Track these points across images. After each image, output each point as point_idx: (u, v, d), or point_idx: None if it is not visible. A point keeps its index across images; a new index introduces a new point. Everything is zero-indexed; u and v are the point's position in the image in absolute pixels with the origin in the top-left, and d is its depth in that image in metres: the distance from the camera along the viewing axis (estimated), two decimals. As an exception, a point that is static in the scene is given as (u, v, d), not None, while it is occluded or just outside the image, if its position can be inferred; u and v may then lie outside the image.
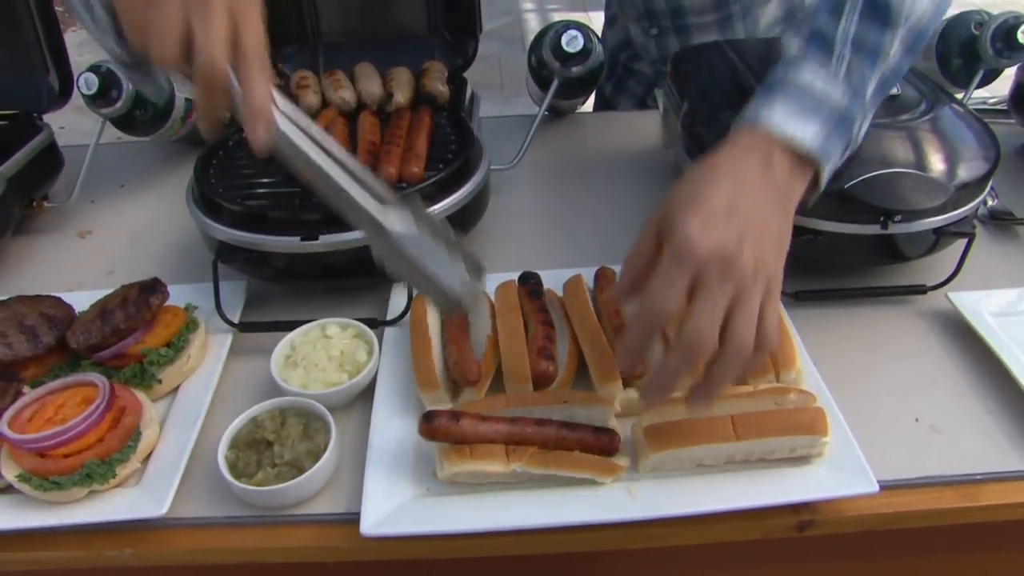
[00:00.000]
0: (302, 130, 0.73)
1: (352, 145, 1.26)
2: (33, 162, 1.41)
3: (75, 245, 1.42)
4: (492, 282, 1.14)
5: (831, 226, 1.09)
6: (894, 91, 1.22)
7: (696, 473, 0.89)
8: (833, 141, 0.87)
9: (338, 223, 1.10)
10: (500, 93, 3.78)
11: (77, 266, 1.35)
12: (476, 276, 0.79)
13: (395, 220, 0.74)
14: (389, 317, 1.13)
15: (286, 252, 1.11)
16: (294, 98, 1.41)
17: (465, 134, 1.30)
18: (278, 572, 0.96)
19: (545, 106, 1.52)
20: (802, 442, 0.88)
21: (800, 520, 0.88)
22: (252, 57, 0.70)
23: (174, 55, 0.69)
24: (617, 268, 1.18)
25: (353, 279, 1.21)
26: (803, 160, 0.85)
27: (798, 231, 1.10)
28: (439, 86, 1.42)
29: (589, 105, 1.93)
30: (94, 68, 1.37)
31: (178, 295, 1.11)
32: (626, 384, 0.98)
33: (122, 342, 1.03)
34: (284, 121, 0.71)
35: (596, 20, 2.02)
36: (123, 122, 1.44)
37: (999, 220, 1.33)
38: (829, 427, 0.88)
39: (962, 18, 1.53)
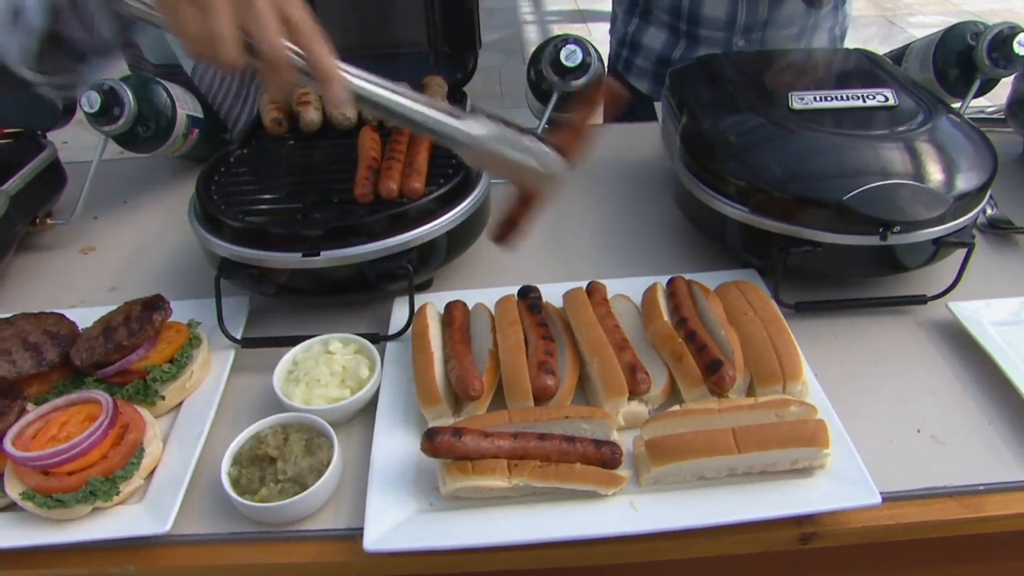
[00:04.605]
0: (369, 80, 0.82)
1: (353, 161, 1.26)
2: (37, 179, 1.42)
3: (78, 261, 1.43)
4: (492, 296, 1.15)
5: (830, 238, 1.10)
6: (891, 102, 1.23)
7: (699, 486, 0.89)
8: None
9: (339, 239, 1.11)
10: (500, 105, 3.80)
11: (80, 283, 1.36)
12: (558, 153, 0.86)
13: (476, 126, 0.83)
14: (391, 332, 1.13)
15: (288, 268, 1.12)
16: (295, 114, 1.42)
17: (465, 148, 1.30)
18: (281, 588, 0.97)
19: (545, 119, 1.53)
20: (804, 454, 0.88)
21: (803, 532, 0.88)
22: (307, 30, 0.78)
23: (238, 55, 0.76)
24: (617, 281, 1.19)
25: (355, 294, 1.22)
26: None
27: (798, 243, 1.11)
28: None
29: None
30: (96, 86, 1.38)
31: (181, 311, 1.12)
32: (631, 397, 0.98)
33: (125, 359, 1.03)
34: (352, 76, 0.81)
35: (596, 32, 2.04)
36: (125, 139, 1.45)
37: (998, 229, 1.33)
38: (830, 439, 0.88)
39: (958, 29, 1.54)
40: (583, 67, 1.49)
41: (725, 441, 0.88)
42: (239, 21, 0.76)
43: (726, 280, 1.16)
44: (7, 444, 0.90)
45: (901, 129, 1.17)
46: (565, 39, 1.51)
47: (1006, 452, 0.95)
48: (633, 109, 1.92)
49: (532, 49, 1.59)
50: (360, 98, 0.81)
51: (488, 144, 0.83)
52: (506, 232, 0.92)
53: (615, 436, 0.94)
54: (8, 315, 1.12)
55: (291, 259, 1.11)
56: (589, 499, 0.88)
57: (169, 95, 1.47)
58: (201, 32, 0.76)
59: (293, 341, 1.10)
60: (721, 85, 1.37)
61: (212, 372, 1.09)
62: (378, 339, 1.11)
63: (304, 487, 0.89)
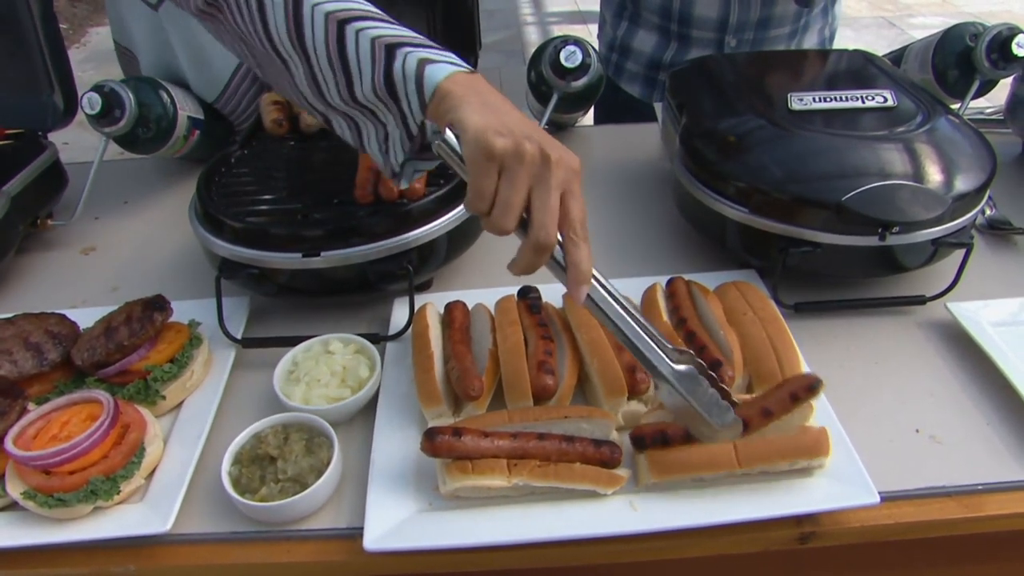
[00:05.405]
0: (607, 289, 0.83)
1: (353, 162, 1.26)
2: (37, 180, 1.42)
3: (79, 262, 1.43)
4: (492, 296, 1.15)
5: (830, 238, 1.10)
6: (890, 103, 1.24)
7: (698, 486, 0.90)
8: None
9: (339, 239, 1.11)
10: (500, 106, 3.80)
11: (81, 283, 1.36)
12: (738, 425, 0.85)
13: (682, 368, 0.84)
14: (391, 332, 1.13)
15: (288, 268, 1.12)
16: (295, 115, 1.42)
17: (465, 149, 1.31)
18: (282, 588, 0.97)
19: (544, 121, 1.53)
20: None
21: (802, 532, 0.88)
22: (580, 230, 0.82)
23: (513, 225, 0.80)
24: (616, 282, 1.18)
25: (355, 295, 1.22)
26: None
27: (797, 243, 1.12)
28: (439, 102, 1.43)
29: (589, 118, 1.93)
30: (97, 88, 1.38)
31: (181, 311, 1.12)
32: (630, 396, 0.98)
33: (126, 359, 1.04)
34: (597, 284, 0.82)
35: (596, 33, 2.04)
36: (126, 141, 1.46)
37: (997, 230, 1.34)
38: (831, 447, 0.88)
39: (958, 30, 1.54)
40: (583, 68, 1.49)
41: (726, 456, 0.88)
42: (529, 196, 0.80)
43: (725, 281, 1.16)
44: (8, 443, 0.91)
45: (900, 130, 1.18)
46: (565, 40, 1.51)
47: (1005, 452, 0.95)
48: (626, 113, 1.92)
49: (532, 50, 1.60)
50: (593, 303, 0.82)
51: (684, 387, 0.83)
52: (657, 450, 0.90)
53: (614, 436, 0.94)
54: (9, 315, 1.13)
55: (291, 259, 1.11)
56: (588, 499, 0.88)
57: (170, 97, 1.48)
58: (494, 196, 0.80)
59: (293, 341, 1.10)
60: (721, 86, 1.38)
61: (213, 372, 1.10)
62: (378, 339, 1.12)
63: (304, 486, 0.89)
